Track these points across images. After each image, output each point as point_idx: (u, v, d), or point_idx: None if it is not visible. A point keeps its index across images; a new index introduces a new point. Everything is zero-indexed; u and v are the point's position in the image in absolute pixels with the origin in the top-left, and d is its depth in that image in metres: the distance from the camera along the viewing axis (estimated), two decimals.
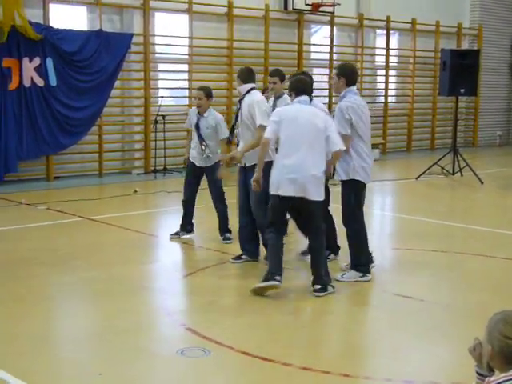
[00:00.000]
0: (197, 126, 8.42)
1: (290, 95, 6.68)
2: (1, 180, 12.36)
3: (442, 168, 14.52)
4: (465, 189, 13.42)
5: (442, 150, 17.85)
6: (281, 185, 6.32)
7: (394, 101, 20.25)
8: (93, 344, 5.31)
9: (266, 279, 6.29)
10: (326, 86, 18.08)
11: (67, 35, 13.06)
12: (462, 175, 14.41)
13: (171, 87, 15.63)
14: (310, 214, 6.45)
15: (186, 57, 15.38)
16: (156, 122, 14.09)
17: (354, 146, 6.78)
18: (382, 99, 19.61)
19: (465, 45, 21.08)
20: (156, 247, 8.69)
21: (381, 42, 19.33)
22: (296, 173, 6.25)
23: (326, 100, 18.05)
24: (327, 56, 17.97)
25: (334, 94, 16.28)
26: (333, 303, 6.36)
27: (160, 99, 14.38)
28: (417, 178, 14.13)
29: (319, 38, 18.19)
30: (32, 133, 12.75)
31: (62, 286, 6.73)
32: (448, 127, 20.53)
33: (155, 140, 14.32)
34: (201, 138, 8.43)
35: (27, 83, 12.61)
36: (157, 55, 15.04)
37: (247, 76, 7.61)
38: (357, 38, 18.73)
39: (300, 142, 6.31)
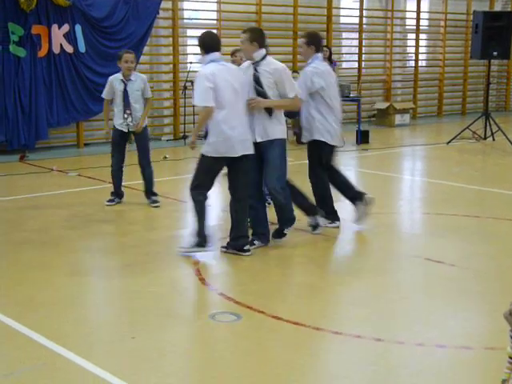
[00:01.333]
0: (125, 92, 8.31)
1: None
2: (32, 147, 12.46)
3: (474, 132, 14.34)
4: (497, 153, 13.26)
5: (473, 114, 17.65)
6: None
7: (424, 65, 19.97)
8: (126, 308, 5.37)
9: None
10: (356, 50, 17.90)
11: (96, 1, 13.05)
12: (493, 140, 14.23)
13: (200, 53, 15.50)
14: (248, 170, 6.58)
15: (215, 22, 15.29)
16: (185, 88, 14.06)
17: (318, 109, 7.21)
18: (413, 64, 19.35)
19: (498, 6, 20.68)
20: (186, 213, 8.70)
21: (411, 5, 19.02)
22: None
23: (356, 64, 17.86)
24: (357, 20, 17.74)
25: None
26: (363, 268, 6.35)
27: (189, 65, 14.34)
28: (448, 143, 13.98)
29: (349, 2, 17.96)
30: (62, 100, 12.82)
31: (94, 251, 6.80)
32: (479, 91, 20.26)
33: (184, 106, 14.30)
34: (127, 105, 8.38)
35: (56, 50, 12.64)
36: (185, 21, 14.96)
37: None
38: (387, 2, 18.45)
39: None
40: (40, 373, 4.16)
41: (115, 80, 8.44)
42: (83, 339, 4.68)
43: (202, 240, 6.47)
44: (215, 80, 6.25)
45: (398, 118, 17.22)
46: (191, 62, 14.44)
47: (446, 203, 8.80)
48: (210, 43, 6.51)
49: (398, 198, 9.84)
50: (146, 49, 14.04)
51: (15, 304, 5.30)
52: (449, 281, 5.92)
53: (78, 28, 12.76)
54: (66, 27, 12.66)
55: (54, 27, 12.55)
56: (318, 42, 7.25)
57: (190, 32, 15.19)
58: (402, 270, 6.34)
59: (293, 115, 14.18)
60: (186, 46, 15.14)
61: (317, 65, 7.15)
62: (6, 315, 4.99)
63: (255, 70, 6.58)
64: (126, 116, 8.37)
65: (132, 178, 9.36)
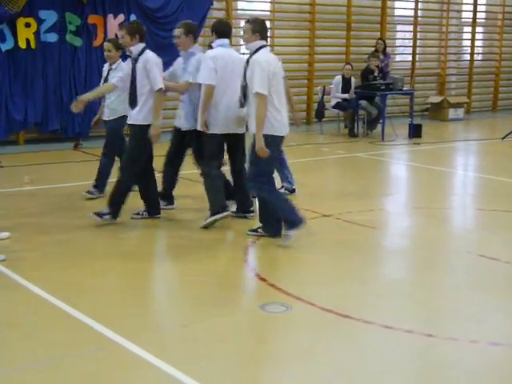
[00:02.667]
0: (106, 80, 8.25)
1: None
2: (86, 135, 12.61)
3: None
4: None
5: None
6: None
7: (480, 59, 19.63)
8: (177, 296, 5.42)
9: (216, 212, 6.93)
10: (410, 43, 17.69)
11: None
12: None
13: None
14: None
15: (268, 13, 15.26)
16: None
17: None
18: (468, 57, 19.04)
19: None
20: None
21: None
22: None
23: (410, 58, 17.65)
24: (412, 12, 17.51)
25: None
26: (415, 262, 6.29)
27: (242, 56, 14.31)
28: (503, 139, 13.72)
29: None
30: None
31: (146, 239, 6.86)
32: None
33: None
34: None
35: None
36: (239, 12, 14.96)
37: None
38: None
39: None
40: (92, 357, 4.22)
41: (105, 67, 8.46)
42: (135, 325, 4.73)
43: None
44: (216, 62, 6.82)
45: (451, 113, 16.96)
46: (244, 54, 14.42)
47: (500, 199, 8.65)
48: (222, 30, 7.07)
49: (451, 193, 9.71)
50: (200, 39, 14.05)
51: (68, 288, 5.38)
52: (504, 278, 5.82)
53: (133, 18, 12.85)
54: (121, 17, 12.77)
55: (110, 17, 12.68)
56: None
57: (243, 23, 15.14)
58: (454, 266, 6.26)
59: (345, 108, 14.17)
60: (239, 37, 15.13)
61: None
62: (60, 299, 5.08)
63: (247, 61, 6.53)
64: (102, 102, 8.45)
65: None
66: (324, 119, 14.85)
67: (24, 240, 6.56)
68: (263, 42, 6.52)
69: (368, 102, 14.07)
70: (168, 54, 11.92)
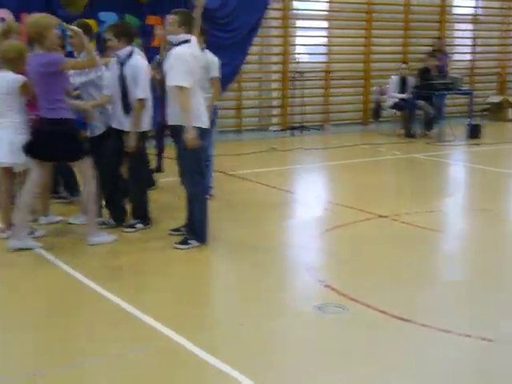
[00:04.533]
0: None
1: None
2: None
3: None
4: None
5: None
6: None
7: None
8: (235, 296, 5.45)
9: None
10: (470, 42, 17.42)
11: None
12: None
13: (309, 44, 15.52)
14: None
15: (325, 13, 15.22)
16: (294, 78, 14.09)
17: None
18: None
19: None
20: (293, 203, 8.75)
21: None
22: None
23: (469, 57, 17.38)
24: (471, 10, 17.24)
25: None
26: (475, 265, 6.21)
27: (298, 56, 14.35)
28: None
29: None
30: None
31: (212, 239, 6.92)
32: None
33: (292, 97, 14.34)
34: None
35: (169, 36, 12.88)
36: (295, 11, 14.96)
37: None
38: None
39: None
40: (150, 354, 4.28)
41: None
42: (193, 323, 4.78)
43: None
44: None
45: None
46: (300, 53, 14.44)
47: None
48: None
49: (511, 195, 9.56)
50: (256, 39, 14.13)
51: (128, 287, 5.48)
52: None
53: None
54: None
55: (168, 17, 12.79)
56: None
57: (299, 23, 15.18)
58: None
59: (402, 108, 14.04)
60: (296, 36, 15.14)
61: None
62: (120, 298, 5.17)
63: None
64: None
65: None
66: (380, 119, 14.77)
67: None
68: (189, 36, 6.26)
69: (426, 101, 13.92)
70: (227, 55, 12.04)
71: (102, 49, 7.82)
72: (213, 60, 7.91)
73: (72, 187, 7.95)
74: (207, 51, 7.82)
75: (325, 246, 6.87)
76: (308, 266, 6.02)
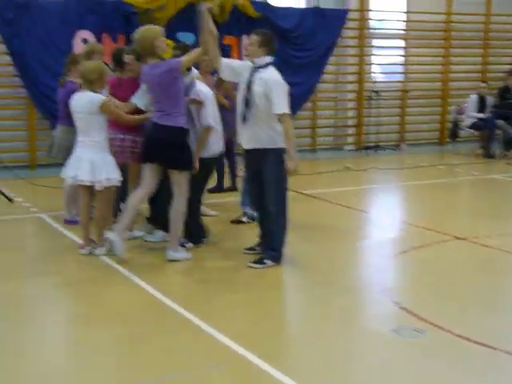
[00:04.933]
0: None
1: None
2: None
3: None
4: None
5: None
6: None
7: None
8: (309, 316, 5.40)
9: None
10: None
11: (285, 12, 13.32)
12: None
13: (386, 63, 15.41)
14: None
15: (402, 32, 15.11)
16: (370, 98, 14.00)
17: None
18: None
19: None
20: (367, 223, 8.66)
21: None
22: None
23: None
24: None
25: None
26: None
27: (374, 75, 14.26)
28: None
29: None
30: None
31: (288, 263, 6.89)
32: None
33: (368, 116, 14.24)
34: None
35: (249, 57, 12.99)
36: (372, 31, 14.89)
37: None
38: None
39: None
40: (226, 373, 4.28)
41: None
42: (267, 342, 4.77)
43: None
44: None
45: None
46: (377, 73, 14.35)
47: None
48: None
49: None
50: (332, 59, 14.13)
51: (203, 304, 5.50)
52: None
53: None
54: None
55: (244, 38, 12.92)
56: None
57: (375, 42, 15.10)
58: None
59: (480, 128, 13.75)
60: (372, 55, 15.06)
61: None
62: (194, 314, 5.19)
63: (251, 74, 6.28)
64: None
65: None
66: (458, 139, 14.51)
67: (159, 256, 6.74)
68: (272, 59, 6.31)
69: (505, 121, 13.61)
70: (303, 74, 12.09)
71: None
72: None
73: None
74: None
75: (401, 267, 6.76)
76: (383, 287, 5.93)
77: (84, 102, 6.50)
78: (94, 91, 6.52)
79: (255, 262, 6.42)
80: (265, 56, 6.28)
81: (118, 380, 4.25)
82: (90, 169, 6.49)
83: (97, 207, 6.70)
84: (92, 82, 6.50)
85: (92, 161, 6.49)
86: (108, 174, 6.53)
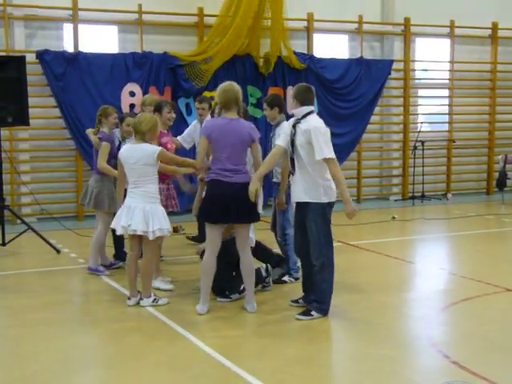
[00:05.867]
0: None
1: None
2: None
3: None
4: None
5: None
6: None
7: None
8: (355, 370, 5.29)
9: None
10: None
11: (329, 64, 13.42)
12: None
13: (431, 113, 15.35)
14: None
15: (447, 81, 15.08)
16: (415, 148, 13.94)
17: None
18: None
19: None
20: (414, 274, 8.53)
21: None
22: None
23: None
24: None
25: None
26: None
27: (419, 125, 14.21)
28: None
29: None
30: None
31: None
32: None
33: (413, 166, 14.16)
34: None
35: (290, 111, 13.06)
36: (416, 81, 14.89)
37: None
38: None
39: None
40: None
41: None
42: None
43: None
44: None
45: None
46: (422, 122, 14.30)
47: None
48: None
49: None
50: (376, 109, 14.14)
51: (250, 356, 5.44)
52: None
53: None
54: None
55: (289, 89, 13.03)
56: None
57: (421, 92, 15.08)
58: None
59: None
60: (417, 105, 15.04)
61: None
62: (234, 363, 5.14)
63: (293, 127, 6.35)
64: None
65: None
66: (506, 189, 14.31)
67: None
68: (311, 108, 6.39)
69: None
70: (348, 125, 12.14)
71: None
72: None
73: None
74: None
75: (450, 320, 6.61)
76: (433, 340, 5.80)
77: (140, 154, 6.59)
78: (148, 142, 6.62)
79: (302, 314, 6.36)
80: (301, 106, 6.36)
81: None
82: (143, 218, 6.54)
83: (145, 258, 6.73)
84: (144, 134, 6.59)
85: (145, 211, 6.55)
86: (160, 224, 6.58)
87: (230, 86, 6.43)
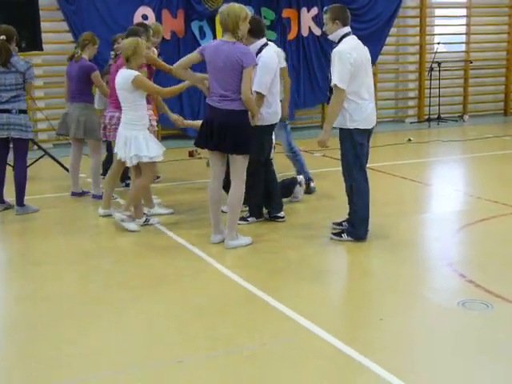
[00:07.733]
0: None
1: None
2: None
3: None
4: None
5: None
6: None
7: None
8: (371, 288, 5.37)
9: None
10: None
11: None
12: None
13: (448, 33, 15.07)
14: None
15: (465, 0, 14.75)
16: (431, 69, 13.75)
17: None
18: None
19: None
20: (431, 196, 8.55)
21: None
22: None
23: None
24: None
25: None
26: None
27: (436, 46, 13.99)
28: None
29: None
30: (309, 81, 13.11)
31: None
32: None
33: (430, 88, 14.00)
34: None
35: (305, 33, 12.95)
36: (433, 0, 14.58)
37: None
38: None
39: None
40: (290, 346, 4.30)
41: None
42: (333, 318, 4.80)
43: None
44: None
45: None
46: (439, 43, 14.06)
47: None
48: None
49: None
50: (392, 30, 13.90)
51: (271, 281, 5.55)
52: None
53: None
54: (314, 10, 12.90)
55: (304, 10, 12.84)
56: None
57: (437, 12, 14.79)
58: None
59: None
60: (434, 26, 14.76)
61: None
62: (264, 291, 5.21)
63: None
64: None
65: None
66: None
67: None
68: (346, 30, 6.18)
69: None
70: (367, 46, 11.87)
71: None
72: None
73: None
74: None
75: (466, 240, 6.65)
76: (449, 260, 5.85)
77: (119, 78, 6.58)
78: (130, 68, 6.52)
79: (334, 234, 6.48)
80: (337, 30, 6.19)
81: (183, 352, 4.30)
82: (123, 145, 6.64)
83: (137, 181, 6.86)
84: (128, 59, 6.51)
85: (126, 137, 6.62)
86: (138, 150, 6.58)
87: (227, 8, 6.00)
